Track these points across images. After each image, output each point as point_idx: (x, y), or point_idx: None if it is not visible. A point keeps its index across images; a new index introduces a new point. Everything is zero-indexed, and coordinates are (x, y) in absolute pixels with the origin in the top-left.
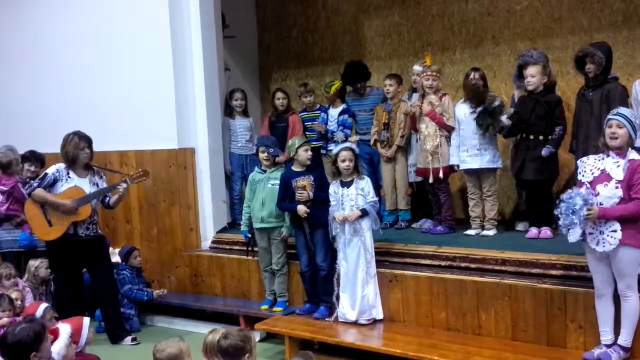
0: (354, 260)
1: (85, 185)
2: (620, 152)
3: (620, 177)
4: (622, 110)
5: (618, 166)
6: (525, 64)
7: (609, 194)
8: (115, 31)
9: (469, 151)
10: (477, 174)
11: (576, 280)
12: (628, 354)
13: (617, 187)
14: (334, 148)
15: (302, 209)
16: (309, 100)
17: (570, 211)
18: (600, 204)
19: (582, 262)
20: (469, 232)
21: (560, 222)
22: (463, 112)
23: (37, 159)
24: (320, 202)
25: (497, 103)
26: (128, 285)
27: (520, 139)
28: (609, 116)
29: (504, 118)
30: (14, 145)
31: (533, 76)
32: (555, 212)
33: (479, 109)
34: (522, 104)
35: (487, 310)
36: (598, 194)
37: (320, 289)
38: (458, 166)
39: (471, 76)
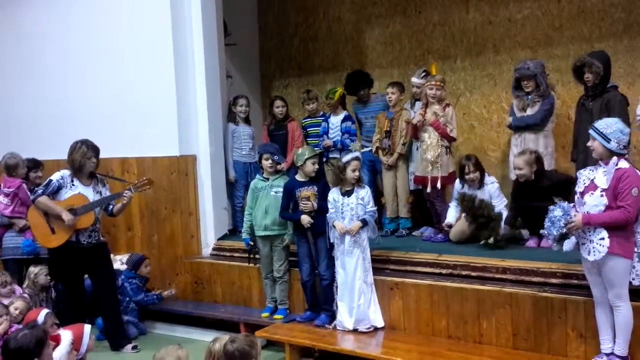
0: (352, 270)
1: (89, 193)
2: (608, 162)
3: (605, 186)
4: (597, 122)
5: (605, 175)
6: (522, 77)
7: (595, 202)
8: (116, 38)
9: None
10: None
11: (577, 288)
12: None
13: (602, 196)
14: (337, 156)
15: (305, 219)
16: (312, 108)
17: (551, 222)
18: (587, 213)
19: (583, 270)
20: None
21: (543, 232)
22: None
23: (39, 165)
24: (324, 212)
25: (494, 213)
26: (141, 295)
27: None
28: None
29: (502, 221)
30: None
31: (521, 168)
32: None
33: (476, 222)
34: (520, 191)
35: (488, 319)
36: (584, 203)
37: (322, 297)
38: (450, 225)
39: (467, 168)
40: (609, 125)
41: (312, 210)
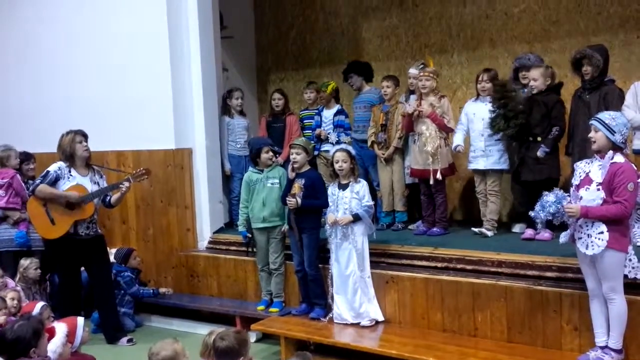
0: (345, 263)
1: (87, 183)
2: (604, 155)
3: (600, 180)
4: (601, 114)
5: (600, 169)
6: (522, 67)
7: (592, 197)
8: (112, 31)
9: (475, 151)
10: (484, 174)
11: (572, 282)
12: (622, 356)
13: (598, 190)
14: (330, 149)
15: (289, 200)
16: (309, 97)
17: (541, 206)
18: (581, 206)
19: (578, 264)
20: (475, 229)
21: (531, 214)
22: (473, 111)
23: (30, 157)
24: (310, 210)
25: (520, 115)
26: (135, 287)
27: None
28: (590, 121)
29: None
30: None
31: (535, 80)
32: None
33: (497, 111)
34: (525, 105)
35: (482, 312)
36: (581, 198)
37: (311, 293)
38: (461, 148)
39: (480, 77)
40: (615, 117)
41: (296, 206)
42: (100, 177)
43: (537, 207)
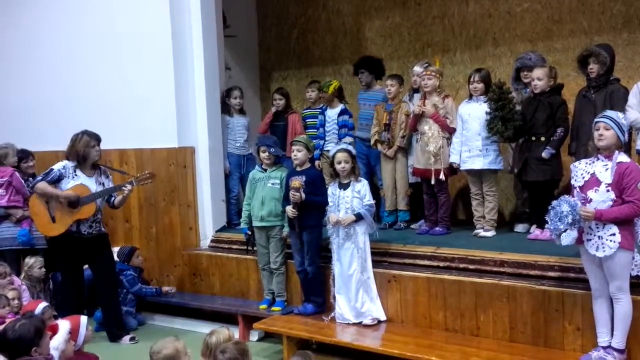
0: (347, 263)
1: (92, 184)
2: (609, 154)
3: (609, 180)
4: (609, 112)
5: (607, 169)
6: (523, 67)
7: (602, 198)
8: (116, 30)
9: (471, 152)
10: (479, 174)
11: (574, 282)
12: (624, 356)
13: (608, 190)
14: (331, 149)
15: (289, 210)
16: (311, 97)
17: (557, 218)
18: (596, 209)
19: (580, 264)
20: (475, 232)
21: (548, 227)
22: (467, 112)
23: (29, 155)
24: (312, 205)
25: (517, 116)
26: (138, 285)
27: (523, 140)
28: (596, 119)
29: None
30: (14, 144)
31: (540, 79)
32: (546, 218)
33: (494, 113)
34: (527, 105)
35: (485, 312)
36: (590, 200)
37: (309, 289)
38: (458, 166)
39: (472, 78)
40: (620, 117)
41: (299, 200)
42: (107, 178)
43: (553, 218)
